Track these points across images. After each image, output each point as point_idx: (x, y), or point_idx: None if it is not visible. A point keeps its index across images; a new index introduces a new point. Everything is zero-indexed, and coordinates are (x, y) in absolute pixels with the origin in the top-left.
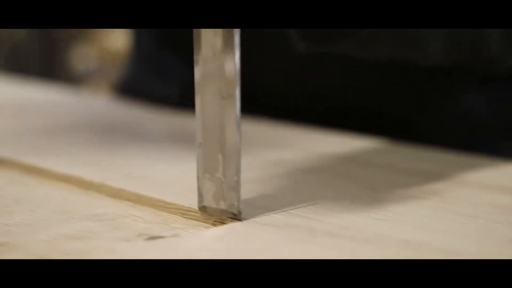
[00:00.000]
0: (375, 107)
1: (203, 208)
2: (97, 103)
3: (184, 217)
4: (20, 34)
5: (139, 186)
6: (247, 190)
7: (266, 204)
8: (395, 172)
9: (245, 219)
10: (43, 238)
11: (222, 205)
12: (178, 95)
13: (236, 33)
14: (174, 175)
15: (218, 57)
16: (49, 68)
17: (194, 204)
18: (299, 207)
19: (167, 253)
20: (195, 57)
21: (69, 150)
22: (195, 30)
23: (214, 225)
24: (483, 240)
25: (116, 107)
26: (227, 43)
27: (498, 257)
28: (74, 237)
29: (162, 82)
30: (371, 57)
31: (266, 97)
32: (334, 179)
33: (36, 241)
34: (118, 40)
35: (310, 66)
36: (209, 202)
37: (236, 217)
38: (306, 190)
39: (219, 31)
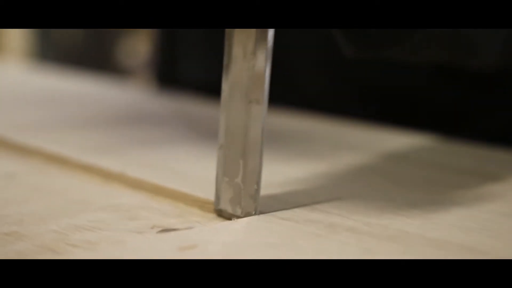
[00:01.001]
0: (425, 106)
1: (219, 211)
2: (141, 96)
3: (201, 209)
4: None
5: (161, 177)
6: (271, 183)
7: (288, 198)
8: (431, 168)
9: (264, 212)
10: (53, 228)
11: (238, 212)
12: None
13: (270, 34)
14: (198, 168)
15: (248, 59)
16: (97, 60)
17: (213, 196)
18: (323, 202)
19: (173, 247)
20: (225, 57)
21: (98, 141)
22: (227, 30)
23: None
24: None
25: (159, 100)
26: (260, 45)
27: None
28: (85, 227)
29: (207, 73)
30: (421, 61)
31: (315, 95)
32: (365, 174)
33: (45, 231)
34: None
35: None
36: (225, 206)
37: None
38: (333, 185)
39: (252, 32)
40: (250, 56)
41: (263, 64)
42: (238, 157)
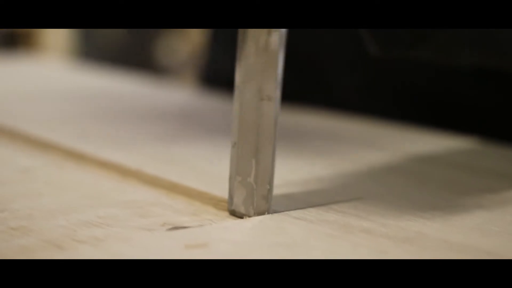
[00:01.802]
0: (462, 108)
1: (232, 212)
2: (178, 94)
3: (216, 208)
4: None
5: (178, 174)
6: (290, 181)
7: (305, 198)
8: (462, 171)
9: (278, 211)
10: (61, 224)
11: (251, 213)
12: None
13: (282, 32)
14: (217, 166)
15: (261, 56)
16: (138, 59)
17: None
18: (340, 202)
19: (180, 244)
20: (238, 54)
21: (122, 138)
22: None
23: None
24: None
25: (196, 99)
26: (272, 41)
27: None
28: (94, 223)
29: None
30: (452, 63)
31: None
32: (389, 175)
33: (53, 226)
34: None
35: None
36: (238, 207)
37: None
38: (354, 184)
39: (265, 29)
40: (262, 53)
41: (275, 60)
42: (250, 156)
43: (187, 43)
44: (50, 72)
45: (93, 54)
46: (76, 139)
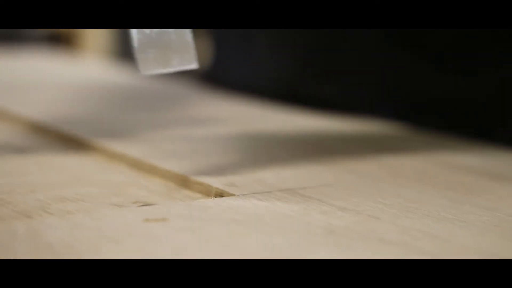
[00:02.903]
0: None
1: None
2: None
3: (189, 189)
4: None
5: (158, 157)
6: (265, 169)
7: (275, 183)
8: (438, 165)
9: (245, 194)
10: (38, 198)
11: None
12: (268, 84)
13: None
14: (200, 152)
15: None
16: None
17: (208, 179)
18: (309, 188)
19: (140, 218)
20: None
21: (123, 128)
22: None
23: (209, 197)
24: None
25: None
26: None
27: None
28: (69, 199)
29: (250, 71)
30: None
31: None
32: (364, 166)
33: (29, 200)
34: None
35: None
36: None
37: None
38: (328, 173)
39: None
40: None
41: None
42: None
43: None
44: (89, 71)
45: (131, 54)
46: (74, 126)
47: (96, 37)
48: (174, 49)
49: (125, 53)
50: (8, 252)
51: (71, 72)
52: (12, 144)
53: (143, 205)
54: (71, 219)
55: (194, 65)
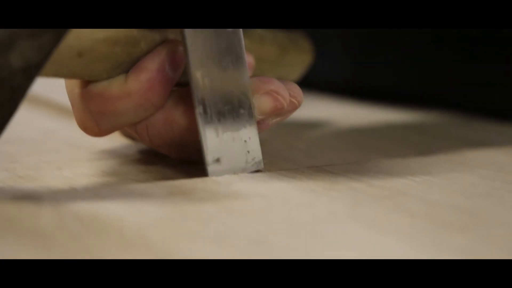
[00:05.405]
0: None
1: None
2: None
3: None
4: None
5: None
6: (294, 147)
7: (302, 160)
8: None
9: (272, 171)
10: (65, 175)
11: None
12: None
13: None
14: None
15: None
16: None
17: None
18: (337, 165)
19: (163, 192)
20: None
21: None
22: None
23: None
24: None
25: None
26: None
27: None
28: (95, 175)
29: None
30: None
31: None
32: (391, 145)
33: (56, 176)
34: None
35: None
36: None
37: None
38: (352, 151)
39: None
40: None
41: None
42: None
43: None
44: None
45: None
46: None
47: None
48: (244, 153)
49: None
50: (35, 225)
51: None
52: (42, 124)
53: (169, 180)
54: (97, 193)
55: (261, 168)
